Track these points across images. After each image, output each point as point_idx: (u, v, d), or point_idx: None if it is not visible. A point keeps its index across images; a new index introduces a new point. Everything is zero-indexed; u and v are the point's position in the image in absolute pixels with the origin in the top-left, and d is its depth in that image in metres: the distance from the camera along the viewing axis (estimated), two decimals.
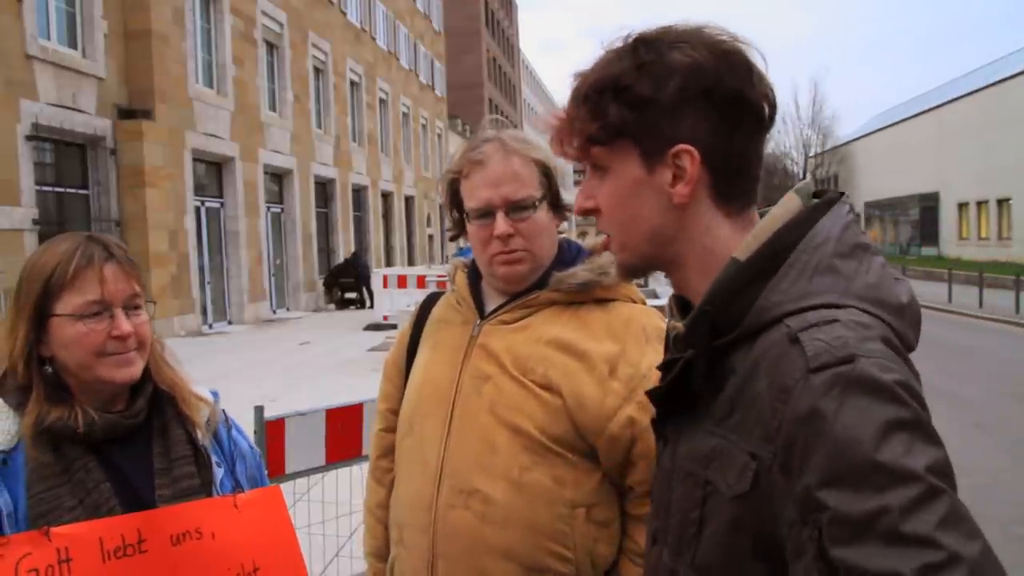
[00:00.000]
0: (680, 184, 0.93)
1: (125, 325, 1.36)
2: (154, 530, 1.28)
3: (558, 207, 1.62)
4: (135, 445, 1.41)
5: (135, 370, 1.40)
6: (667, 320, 1.07)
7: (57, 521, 1.25)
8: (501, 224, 1.54)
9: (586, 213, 1.02)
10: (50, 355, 1.37)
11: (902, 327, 0.87)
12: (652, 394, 0.99)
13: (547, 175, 1.59)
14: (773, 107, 0.95)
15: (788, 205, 0.94)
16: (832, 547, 0.74)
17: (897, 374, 0.78)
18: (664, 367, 0.97)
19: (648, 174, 0.94)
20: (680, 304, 1.03)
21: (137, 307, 1.41)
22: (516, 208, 1.54)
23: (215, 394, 1.58)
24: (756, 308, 0.87)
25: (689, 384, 0.91)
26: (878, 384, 0.77)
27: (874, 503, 0.72)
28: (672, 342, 1.00)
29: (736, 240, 0.94)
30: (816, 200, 0.96)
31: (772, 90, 0.95)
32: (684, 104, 0.91)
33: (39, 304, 1.35)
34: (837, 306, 0.85)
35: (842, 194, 0.96)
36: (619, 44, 0.96)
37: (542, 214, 1.58)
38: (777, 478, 0.80)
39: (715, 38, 0.93)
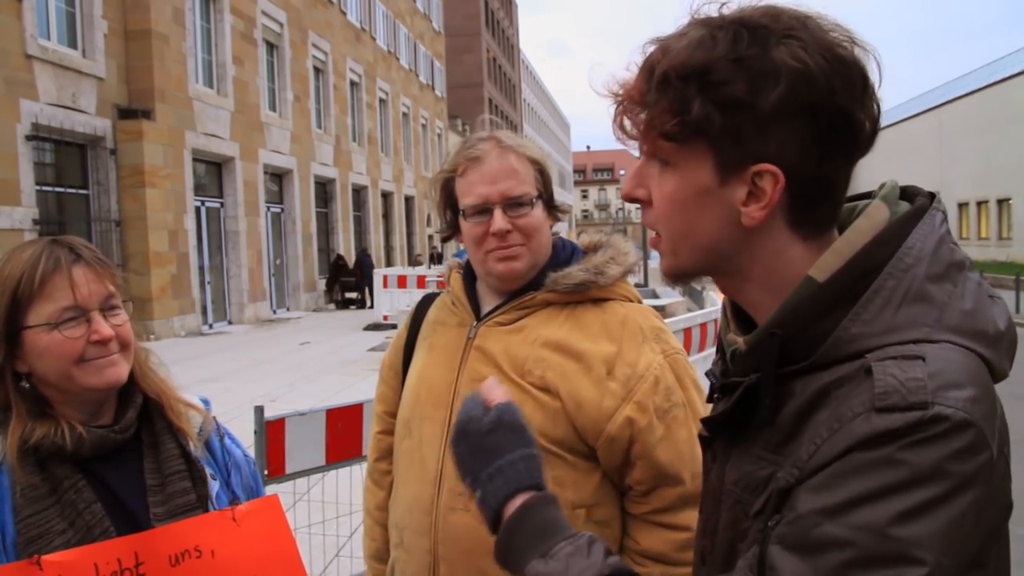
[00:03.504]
0: (755, 206, 0.79)
1: (104, 328, 1.28)
2: (151, 552, 1.22)
3: (552, 207, 1.62)
4: (126, 461, 1.33)
5: (120, 371, 1.31)
6: (720, 328, 0.96)
7: (48, 546, 1.19)
8: (499, 220, 1.51)
9: (633, 200, 0.88)
10: (26, 370, 1.29)
11: (996, 358, 0.77)
12: (707, 422, 0.89)
13: (542, 174, 1.59)
14: (876, 128, 0.80)
15: (875, 217, 0.81)
16: (773, 543, 0.72)
17: (970, 437, 0.68)
18: (722, 389, 0.87)
19: (719, 185, 0.80)
20: (736, 311, 0.91)
21: (114, 308, 1.33)
22: (514, 204, 1.53)
23: (206, 401, 1.50)
24: (833, 339, 0.76)
25: (747, 409, 0.81)
26: (945, 445, 0.67)
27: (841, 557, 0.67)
28: (730, 359, 0.88)
29: (810, 262, 0.81)
30: (903, 203, 0.83)
31: (879, 107, 0.80)
32: (781, 118, 0.76)
33: (9, 318, 1.27)
34: (930, 341, 0.73)
35: (933, 196, 0.82)
36: (713, 17, 0.80)
37: (539, 212, 1.57)
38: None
39: (832, 39, 0.78)
